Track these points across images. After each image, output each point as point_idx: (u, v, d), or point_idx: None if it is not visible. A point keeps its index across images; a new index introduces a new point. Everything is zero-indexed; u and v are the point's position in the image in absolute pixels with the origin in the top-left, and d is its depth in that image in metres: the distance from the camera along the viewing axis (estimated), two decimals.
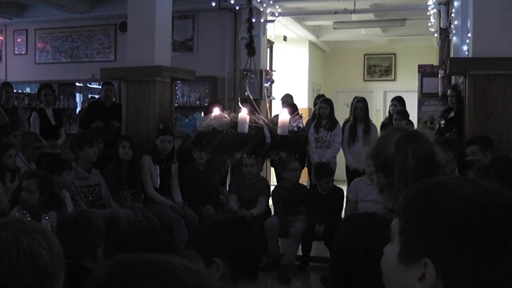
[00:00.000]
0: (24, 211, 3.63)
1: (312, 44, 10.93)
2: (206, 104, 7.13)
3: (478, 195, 0.86)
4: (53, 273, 0.98)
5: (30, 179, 3.67)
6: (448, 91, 5.85)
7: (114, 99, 6.79)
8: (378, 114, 10.55)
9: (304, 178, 7.18)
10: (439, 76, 6.78)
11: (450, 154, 4.22)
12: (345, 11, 8.18)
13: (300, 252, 5.20)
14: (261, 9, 7.79)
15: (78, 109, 8.83)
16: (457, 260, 0.84)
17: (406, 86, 10.10)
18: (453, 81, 6.42)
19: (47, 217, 3.71)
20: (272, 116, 5.94)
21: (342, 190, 5.34)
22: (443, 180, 0.94)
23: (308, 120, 6.59)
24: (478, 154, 4.17)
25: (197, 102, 7.96)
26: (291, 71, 10.23)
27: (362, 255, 1.60)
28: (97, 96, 8.47)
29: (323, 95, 7.52)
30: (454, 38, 6.72)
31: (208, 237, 1.69)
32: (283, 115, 4.03)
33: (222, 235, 1.68)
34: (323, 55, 12.02)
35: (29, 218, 3.57)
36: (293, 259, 5.07)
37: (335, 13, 8.30)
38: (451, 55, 6.70)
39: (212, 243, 1.66)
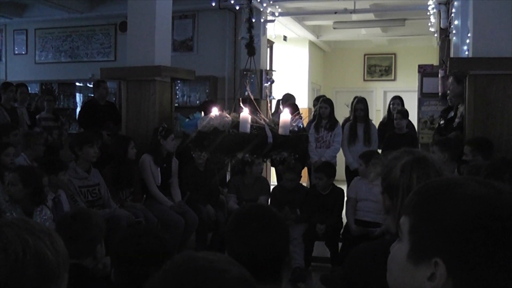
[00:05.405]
0: (16, 205, 3.64)
1: (312, 44, 10.92)
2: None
3: (490, 196, 0.86)
4: (58, 273, 0.98)
5: (13, 173, 3.73)
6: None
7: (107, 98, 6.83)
8: (378, 114, 10.54)
9: (304, 178, 7.18)
10: (439, 76, 6.78)
11: (446, 155, 4.23)
12: (345, 11, 8.18)
13: None
14: (261, 9, 7.79)
15: (78, 109, 8.83)
16: (468, 260, 0.84)
17: (406, 86, 10.10)
18: None
19: (40, 212, 3.72)
20: (272, 114, 5.93)
21: (342, 190, 5.33)
22: (454, 179, 0.93)
23: (309, 121, 6.58)
24: (468, 155, 4.17)
25: (197, 102, 7.95)
26: (291, 71, 10.23)
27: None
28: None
29: (322, 96, 7.51)
30: (454, 38, 6.72)
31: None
32: (284, 115, 4.01)
33: None
34: (323, 55, 12.01)
35: (18, 209, 3.61)
36: (301, 260, 4.96)
37: (335, 13, 8.30)
38: (451, 55, 6.69)
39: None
